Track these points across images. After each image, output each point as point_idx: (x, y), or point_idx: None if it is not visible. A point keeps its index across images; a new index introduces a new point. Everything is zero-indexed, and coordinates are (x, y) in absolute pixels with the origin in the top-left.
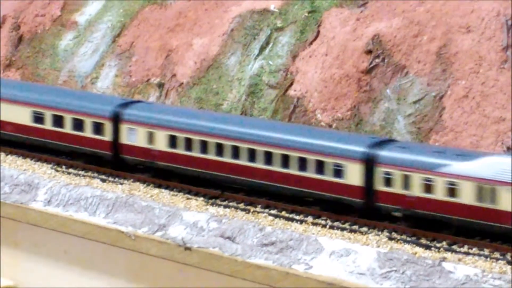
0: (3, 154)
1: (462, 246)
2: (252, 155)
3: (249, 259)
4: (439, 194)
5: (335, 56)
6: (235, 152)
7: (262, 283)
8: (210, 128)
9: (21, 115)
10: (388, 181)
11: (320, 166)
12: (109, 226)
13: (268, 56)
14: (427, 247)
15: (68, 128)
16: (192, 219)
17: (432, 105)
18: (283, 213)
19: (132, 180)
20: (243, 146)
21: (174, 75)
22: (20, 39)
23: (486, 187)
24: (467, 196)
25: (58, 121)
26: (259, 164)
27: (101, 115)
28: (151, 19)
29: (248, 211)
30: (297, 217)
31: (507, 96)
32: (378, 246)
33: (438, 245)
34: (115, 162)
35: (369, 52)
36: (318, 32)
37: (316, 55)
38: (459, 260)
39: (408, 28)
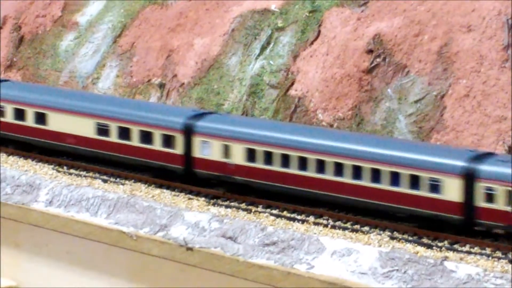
0: (4, 155)
1: (464, 245)
2: (339, 169)
3: (251, 259)
4: None
5: (336, 56)
6: (320, 166)
7: (264, 283)
8: (293, 141)
9: (83, 127)
10: (490, 197)
11: (415, 181)
12: (110, 227)
13: (269, 56)
14: (429, 247)
15: (135, 141)
16: (193, 219)
17: (433, 104)
18: (285, 213)
19: (133, 180)
20: (329, 160)
21: (175, 75)
22: (21, 39)
23: None
24: None
25: (124, 133)
26: (347, 179)
27: (172, 127)
28: (152, 19)
29: (249, 211)
30: (299, 217)
31: (508, 95)
32: (380, 246)
33: (439, 244)
34: (187, 176)
35: (370, 51)
36: (319, 31)
37: (317, 55)
38: (461, 259)
39: (409, 27)
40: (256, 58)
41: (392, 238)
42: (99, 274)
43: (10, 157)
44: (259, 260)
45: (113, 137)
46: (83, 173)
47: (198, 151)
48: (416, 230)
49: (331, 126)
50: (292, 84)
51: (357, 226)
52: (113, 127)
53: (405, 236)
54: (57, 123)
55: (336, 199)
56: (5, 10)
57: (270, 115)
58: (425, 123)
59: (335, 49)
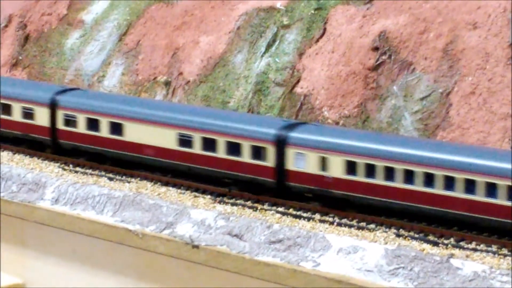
0: (10, 153)
1: (470, 243)
2: (449, 182)
3: (257, 257)
4: None
5: (341, 53)
6: (428, 179)
7: (270, 280)
8: (398, 153)
9: (164, 138)
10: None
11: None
12: (116, 225)
13: (274, 54)
14: (435, 244)
15: (221, 153)
16: (199, 217)
17: (439, 101)
18: (291, 210)
19: (139, 178)
20: (438, 173)
21: (180, 73)
22: (27, 38)
23: None
24: None
25: (209, 144)
26: (459, 193)
27: (263, 138)
28: (158, 17)
29: (255, 209)
30: (305, 215)
31: None
32: (386, 243)
33: (445, 241)
34: (279, 189)
35: (375, 49)
36: (325, 29)
37: (322, 53)
38: (467, 256)
39: (415, 25)
40: (262, 56)
41: (398, 235)
42: (104, 272)
43: (16, 155)
44: (265, 257)
45: (197, 149)
46: (89, 171)
47: (292, 164)
48: (423, 228)
49: (337, 123)
50: (298, 81)
51: (363, 224)
52: (197, 137)
53: (411, 234)
54: (135, 133)
55: (446, 214)
56: (11, 8)
57: (276, 113)
58: (431, 121)
59: (341, 46)
